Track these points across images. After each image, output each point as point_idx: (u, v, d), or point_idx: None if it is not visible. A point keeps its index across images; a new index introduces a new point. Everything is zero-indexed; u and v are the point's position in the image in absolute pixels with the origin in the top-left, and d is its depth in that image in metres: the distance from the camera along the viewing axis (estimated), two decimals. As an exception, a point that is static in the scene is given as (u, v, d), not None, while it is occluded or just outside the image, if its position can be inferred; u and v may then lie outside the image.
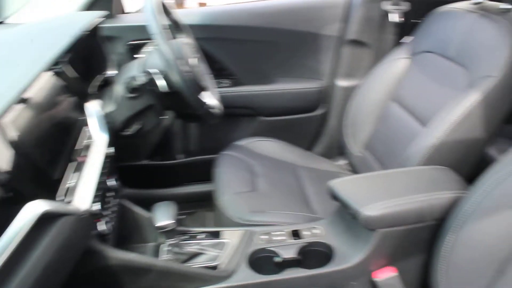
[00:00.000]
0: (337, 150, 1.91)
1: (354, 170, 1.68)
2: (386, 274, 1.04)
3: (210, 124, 1.47)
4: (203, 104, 1.29)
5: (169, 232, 0.97)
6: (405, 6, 1.69)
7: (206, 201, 1.72)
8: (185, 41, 1.36)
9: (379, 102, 1.60)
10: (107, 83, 1.37)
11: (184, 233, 1.06)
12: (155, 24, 1.19)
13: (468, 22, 1.38)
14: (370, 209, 0.99)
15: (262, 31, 1.73)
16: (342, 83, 1.84)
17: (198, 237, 1.08)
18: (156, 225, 0.96)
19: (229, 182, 1.43)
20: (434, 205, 1.03)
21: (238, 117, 1.81)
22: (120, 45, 1.68)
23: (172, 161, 1.84)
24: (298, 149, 1.75)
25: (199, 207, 1.84)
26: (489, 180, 0.93)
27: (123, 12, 1.76)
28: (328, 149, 1.93)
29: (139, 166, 1.80)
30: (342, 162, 1.82)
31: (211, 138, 1.82)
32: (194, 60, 1.33)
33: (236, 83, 1.78)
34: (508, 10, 1.30)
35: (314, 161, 1.72)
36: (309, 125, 1.89)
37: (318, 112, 1.87)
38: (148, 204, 1.20)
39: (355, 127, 1.66)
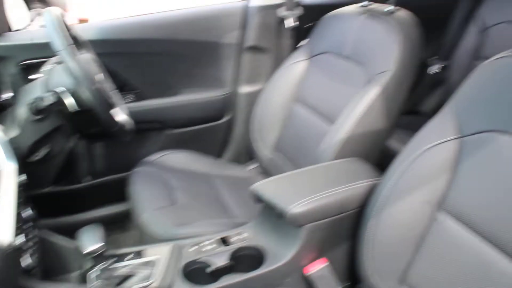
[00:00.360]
0: (247, 155, 1.94)
1: (265, 172, 1.72)
2: (317, 267, 1.07)
3: (123, 141, 1.41)
4: (116, 120, 1.23)
5: (98, 257, 0.91)
6: (299, 11, 1.77)
7: (120, 223, 1.65)
8: (89, 57, 1.29)
9: (283, 105, 1.66)
10: (3, 107, 1.25)
11: (112, 256, 1.00)
12: (60, 40, 1.12)
13: (358, 23, 1.48)
14: (296, 207, 1.02)
15: (162, 43, 1.70)
16: (244, 89, 1.87)
17: (126, 258, 1.02)
18: (85, 251, 0.90)
19: (146, 199, 1.38)
20: (354, 194, 1.09)
21: (146, 132, 1.76)
22: (11, 65, 1.55)
23: (78, 185, 1.73)
24: (208, 158, 1.75)
25: (115, 230, 1.75)
26: (400, 165, 1.01)
27: (9, 30, 1.62)
28: (237, 155, 1.95)
29: (45, 193, 1.67)
30: (253, 166, 1.85)
31: (119, 156, 1.75)
32: (101, 76, 1.27)
33: (139, 98, 1.73)
34: (394, 10, 1.43)
35: (225, 168, 1.73)
36: (217, 133, 1.90)
37: (225, 119, 1.88)
38: (64, 231, 1.11)
39: (262, 131, 1.69)
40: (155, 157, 1.64)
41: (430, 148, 0.98)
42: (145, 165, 1.58)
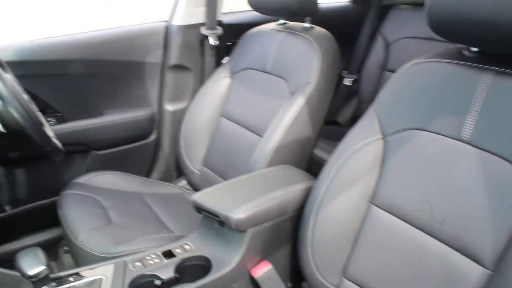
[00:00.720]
0: (175, 172, 1.95)
1: (195, 188, 1.74)
2: (262, 270, 1.11)
3: (53, 161, 1.36)
4: (50, 139, 1.19)
5: (41, 281, 0.87)
6: (220, 30, 1.83)
7: (51, 249, 1.57)
8: (11, 77, 1.24)
9: (210, 120, 1.70)
10: None
11: (54, 279, 0.96)
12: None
13: (278, 40, 1.57)
14: (238, 213, 1.06)
15: (84, 63, 1.67)
16: (170, 107, 1.88)
17: (69, 280, 0.99)
18: (26, 275, 0.85)
19: (81, 220, 1.34)
20: (291, 197, 1.15)
21: (71, 154, 1.70)
22: None
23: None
24: (137, 177, 1.74)
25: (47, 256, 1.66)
26: (333, 166, 1.09)
27: None
28: (166, 173, 1.95)
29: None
30: (182, 182, 1.86)
31: (43, 181, 1.67)
32: (26, 96, 1.23)
33: (61, 120, 1.67)
34: (310, 27, 1.54)
35: (155, 186, 1.72)
36: (145, 152, 1.89)
37: (152, 138, 1.88)
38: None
39: (189, 147, 1.72)
40: (82, 179, 1.60)
41: (357, 149, 1.07)
42: (73, 188, 1.53)
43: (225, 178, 1.59)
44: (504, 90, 0.87)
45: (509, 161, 0.83)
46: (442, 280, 0.91)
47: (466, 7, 0.83)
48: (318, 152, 1.72)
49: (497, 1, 0.78)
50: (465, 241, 0.88)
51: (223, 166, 1.62)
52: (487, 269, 0.84)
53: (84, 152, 1.72)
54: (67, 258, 1.55)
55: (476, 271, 0.86)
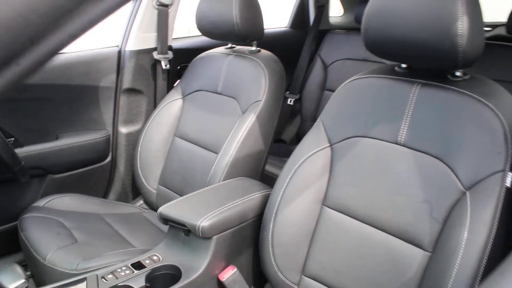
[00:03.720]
0: (131, 193, 1.99)
1: (152, 207, 1.80)
2: (228, 273, 1.20)
3: (13, 186, 1.37)
4: (19, 159, 1.22)
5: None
6: (171, 55, 1.93)
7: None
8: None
9: (165, 141, 1.78)
10: None
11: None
12: None
13: (227, 62, 1.69)
14: (204, 221, 1.14)
15: (39, 88, 1.70)
16: (124, 129, 1.94)
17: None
18: (8, 288, 0.89)
19: (47, 241, 1.36)
20: (251, 205, 1.25)
21: (29, 178, 1.71)
22: None
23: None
24: (96, 198, 1.77)
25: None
26: (287, 174, 1.20)
27: None
28: (122, 194, 1.99)
29: None
30: (139, 202, 1.90)
31: (0, 207, 1.66)
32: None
33: (16, 145, 1.68)
34: (257, 50, 1.67)
35: (114, 207, 1.76)
36: (101, 174, 1.92)
37: (108, 160, 1.92)
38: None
39: (146, 167, 1.78)
40: (41, 203, 1.61)
41: (308, 157, 1.19)
42: (33, 211, 1.54)
43: (181, 194, 1.66)
44: (429, 98, 1.03)
45: (438, 158, 0.99)
46: (389, 266, 1.04)
47: (395, 31, 0.98)
48: (269, 168, 1.84)
49: (419, 26, 0.94)
50: (406, 229, 1.01)
51: (180, 184, 1.70)
52: (427, 251, 0.98)
53: (41, 176, 1.73)
54: (30, 284, 1.54)
55: (417, 254, 1.00)
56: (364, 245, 1.08)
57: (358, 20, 2.23)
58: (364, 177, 1.11)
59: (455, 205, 0.95)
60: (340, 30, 2.41)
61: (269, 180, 1.47)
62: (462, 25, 0.89)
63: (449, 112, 1.00)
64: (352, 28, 2.40)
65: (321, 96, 2.33)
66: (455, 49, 0.91)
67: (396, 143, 1.06)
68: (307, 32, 2.50)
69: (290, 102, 2.44)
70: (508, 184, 0.90)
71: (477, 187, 0.93)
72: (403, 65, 1.12)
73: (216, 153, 1.56)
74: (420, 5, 0.94)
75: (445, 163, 0.97)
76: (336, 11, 2.89)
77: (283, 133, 2.49)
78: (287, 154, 1.29)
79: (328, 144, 1.19)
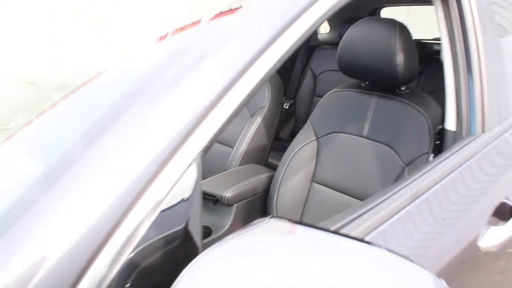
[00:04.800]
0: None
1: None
2: (245, 230, 1.68)
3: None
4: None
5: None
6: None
7: None
8: None
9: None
10: None
11: None
12: None
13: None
14: (228, 192, 1.62)
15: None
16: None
17: None
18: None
19: None
20: (261, 182, 1.73)
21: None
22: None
23: None
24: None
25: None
26: (286, 161, 1.68)
27: None
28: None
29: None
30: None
31: None
32: None
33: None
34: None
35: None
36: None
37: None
38: None
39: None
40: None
41: (301, 147, 1.67)
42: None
43: (205, 178, 2.14)
44: (383, 105, 1.52)
45: (387, 145, 1.47)
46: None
47: (358, 60, 1.47)
48: (270, 160, 2.33)
49: (373, 58, 1.42)
50: (368, 195, 1.50)
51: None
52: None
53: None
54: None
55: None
56: (340, 208, 1.57)
57: (340, 37, 2.73)
58: (341, 160, 1.59)
59: (398, 176, 1.44)
60: (327, 45, 2.90)
61: (271, 169, 1.96)
62: (400, 59, 1.37)
63: (395, 115, 1.49)
64: (337, 43, 2.88)
65: (312, 101, 2.82)
66: (396, 74, 1.39)
67: (361, 136, 1.55)
68: (299, 47, 2.99)
69: (286, 106, 2.92)
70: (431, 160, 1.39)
71: (412, 164, 1.42)
72: (366, 82, 1.61)
73: (232, 147, 2.04)
74: (374, 44, 1.42)
75: (392, 148, 1.46)
76: (323, 28, 3.38)
77: (280, 132, 2.98)
78: (284, 149, 1.76)
79: (315, 138, 1.67)
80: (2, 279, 0.43)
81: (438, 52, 2.56)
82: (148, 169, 0.53)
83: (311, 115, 1.73)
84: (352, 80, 1.70)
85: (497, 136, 1.20)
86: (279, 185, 1.66)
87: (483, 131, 1.17)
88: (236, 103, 0.63)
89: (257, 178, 1.74)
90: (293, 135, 2.93)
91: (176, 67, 0.62)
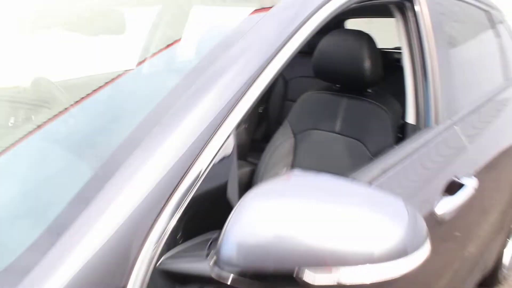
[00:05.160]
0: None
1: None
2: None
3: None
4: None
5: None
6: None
7: None
8: None
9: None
10: None
11: None
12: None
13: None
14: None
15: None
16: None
17: None
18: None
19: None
20: (245, 174, 1.93)
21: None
22: None
23: None
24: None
25: None
26: (266, 155, 1.89)
27: None
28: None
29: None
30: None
31: None
32: None
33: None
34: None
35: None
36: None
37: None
38: None
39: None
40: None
41: (280, 144, 1.88)
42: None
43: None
44: (352, 105, 1.75)
45: (357, 139, 1.70)
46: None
47: (331, 66, 1.69)
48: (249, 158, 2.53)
49: (344, 64, 1.65)
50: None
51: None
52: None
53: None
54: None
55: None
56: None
57: (309, 45, 2.98)
58: (316, 153, 1.81)
59: (367, 165, 1.67)
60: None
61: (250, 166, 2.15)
62: (367, 65, 1.60)
63: (363, 113, 1.72)
64: (306, 52, 3.12)
65: (283, 105, 3.03)
66: (363, 77, 1.62)
67: (334, 132, 1.77)
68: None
69: (260, 110, 3.13)
70: (393, 151, 1.62)
71: (378, 155, 1.65)
72: (337, 85, 1.84)
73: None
74: (345, 52, 1.65)
75: (361, 141, 1.69)
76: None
77: (255, 133, 3.18)
78: (259, 149, 1.95)
79: (293, 135, 1.88)
80: (100, 227, 0.60)
81: (398, 60, 2.83)
82: (201, 138, 0.72)
83: (289, 115, 1.95)
84: (324, 84, 1.92)
85: (447, 127, 1.44)
86: (262, 176, 1.86)
87: (437, 124, 1.41)
88: (256, 94, 0.83)
89: (241, 170, 1.94)
90: (266, 135, 3.15)
91: (217, 63, 0.82)
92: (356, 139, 1.71)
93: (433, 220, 1.19)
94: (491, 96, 1.94)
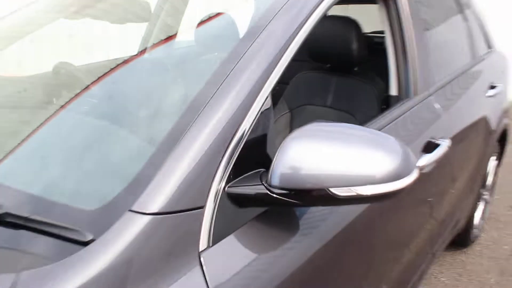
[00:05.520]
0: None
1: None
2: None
3: None
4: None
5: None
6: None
7: None
8: None
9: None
10: None
11: None
12: None
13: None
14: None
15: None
16: None
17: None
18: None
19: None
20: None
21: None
22: None
23: None
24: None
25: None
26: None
27: None
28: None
29: None
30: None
31: None
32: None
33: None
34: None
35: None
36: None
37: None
38: None
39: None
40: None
41: (277, 118, 2.12)
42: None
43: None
44: (342, 82, 2.00)
45: (348, 112, 1.95)
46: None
47: (323, 48, 1.93)
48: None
49: (334, 46, 1.89)
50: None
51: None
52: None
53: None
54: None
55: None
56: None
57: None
58: (310, 126, 2.05)
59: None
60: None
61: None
62: (354, 46, 1.85)
63: (351, 88, 1.97)
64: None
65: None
66: (352, 58, 1.87)
67: (326, 106, 2.02)
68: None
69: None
70: (379, 121, 1.88)
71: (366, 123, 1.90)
72: (328, 65, 2.09)
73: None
74: (335, 36, 1.89)
75: (350, 113, 1.94)
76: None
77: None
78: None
79: (289, 110, 2.12)
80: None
81: (376, 43, 3.10)
82: (249, 99, 0.95)
83: (284, 93, 2.18)
84: (315, 64, 2.16)
85: (425, 98, 1.70)
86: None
87: (416, 95, 1.67)
88: (283, 66, 1.06)
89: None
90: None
91: (255, 43, 1.05)
92: (346, 111, 1.96)
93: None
94: (461, 72, 2.21)
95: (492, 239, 2.98)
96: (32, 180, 0.98)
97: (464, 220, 2.50)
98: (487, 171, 2.80)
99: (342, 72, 2.02)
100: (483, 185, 2.79)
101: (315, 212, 1.06)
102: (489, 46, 2.91)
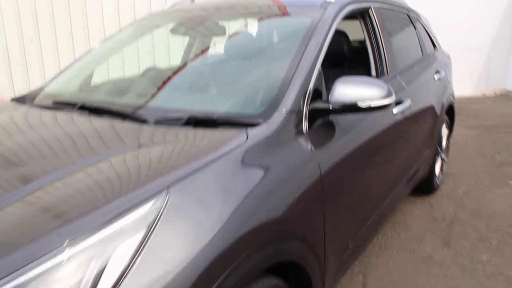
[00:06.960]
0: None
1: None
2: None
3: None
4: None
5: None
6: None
7: None
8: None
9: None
10: None
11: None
12: None
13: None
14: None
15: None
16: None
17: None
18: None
19: None
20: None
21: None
22: None
23: None
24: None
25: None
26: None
27: None
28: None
29: None
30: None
31: None
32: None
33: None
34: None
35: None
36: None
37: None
38: None
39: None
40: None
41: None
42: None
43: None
44: (337, 73, 3.03)
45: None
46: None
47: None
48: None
49: (334, 48, 2.91)
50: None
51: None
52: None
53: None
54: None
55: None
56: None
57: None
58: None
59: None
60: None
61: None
62: (345, 48, 2.86)
63: (345, 76, 3.00)
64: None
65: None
66: (344, 56, 2.89)
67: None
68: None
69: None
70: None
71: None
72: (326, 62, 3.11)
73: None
74: (333, 40, 2.91)
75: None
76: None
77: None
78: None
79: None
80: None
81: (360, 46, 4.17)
82: (312, 65, 1.96)
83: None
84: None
85: (394, 77, 2.75)
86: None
87: (388, 75, 2.71)
88: (323, 56, 2.07)
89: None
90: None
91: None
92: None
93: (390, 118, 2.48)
94: (416, 62, 3.29)
95: (450, 187, 4.03)
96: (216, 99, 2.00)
97: (426, 168, 3.52)
98: (442, 135, 3.86)
99: (337, 67, 3.03)
100: (439, 144, 3.84)
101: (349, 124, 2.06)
102: (434, 46, 4.04)
